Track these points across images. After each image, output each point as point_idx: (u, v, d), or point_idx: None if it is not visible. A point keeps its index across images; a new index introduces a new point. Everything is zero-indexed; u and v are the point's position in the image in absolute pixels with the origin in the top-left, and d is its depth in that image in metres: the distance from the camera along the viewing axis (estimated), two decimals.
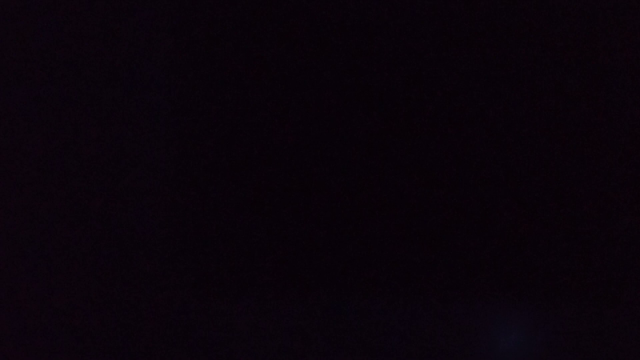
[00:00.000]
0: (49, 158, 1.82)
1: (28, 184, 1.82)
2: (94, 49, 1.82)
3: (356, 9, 1.80)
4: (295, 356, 1.77)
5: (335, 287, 1.79)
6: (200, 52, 1.82)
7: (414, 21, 1.80)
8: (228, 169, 1.81)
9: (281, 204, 1.80)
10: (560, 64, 1.79)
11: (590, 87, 1.78)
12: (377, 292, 1.78)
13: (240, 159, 1.80)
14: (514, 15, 1.79)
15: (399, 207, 1.79)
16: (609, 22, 1.78)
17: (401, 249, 1.79)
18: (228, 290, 1.80)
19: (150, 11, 1.81)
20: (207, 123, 1.81)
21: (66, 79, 1.82)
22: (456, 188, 1.78)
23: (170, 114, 1.81)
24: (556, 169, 1.78)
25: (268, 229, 1.80)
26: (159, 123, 1.81)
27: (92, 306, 1.81)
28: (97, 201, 1.81)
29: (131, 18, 1.81)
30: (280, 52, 1.81)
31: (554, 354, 1.76)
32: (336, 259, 1.79)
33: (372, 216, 1.79)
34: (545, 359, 1.76)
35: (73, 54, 1.82)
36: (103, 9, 1.81)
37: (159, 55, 1.81)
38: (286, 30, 1.81)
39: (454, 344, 1.76)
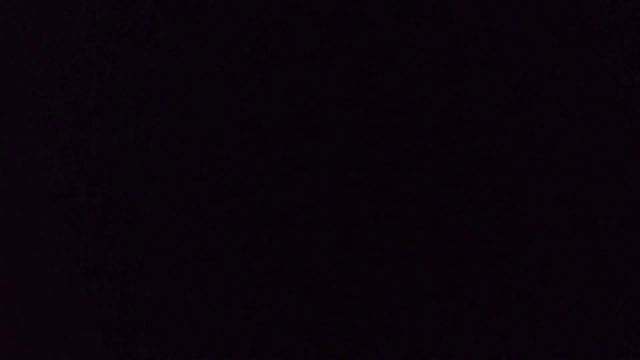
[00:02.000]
0: (49, 158, 1.82)
1: (28, 184, 1.82)
2: (93, 49, 1.82)
3: (354, 9, 1.81)
4: None
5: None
6: (199, 52, 1.82)
7: (413, 21, 1.80)
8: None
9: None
10: (559, 64, 1.79)
11: (590, 87, 1.79)
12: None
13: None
14: (513, 15, 1.79)
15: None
16: (608, 22, 1.79)
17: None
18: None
19: (150, 11, 1.82)
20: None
21: (66, 79, 1.82)
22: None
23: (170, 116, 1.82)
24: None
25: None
26: (158, 124, 1.81)
27: (92, 306, 1.81)
28: (97, 201, 1.81)
29: (131, 18, 1.82)
30: (279, 53, 1.81)
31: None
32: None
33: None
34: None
35: (73, 54, 1.82)
36: (103, 8, 1.82)
37: (159, 55, 1.82)
38: (285, 30, 1.81)
39: None
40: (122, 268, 1.81)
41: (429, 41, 1.80)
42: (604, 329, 1.77)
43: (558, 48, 1.79)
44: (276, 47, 1.82)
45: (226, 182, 1.81)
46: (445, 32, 1.80)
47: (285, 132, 1.81)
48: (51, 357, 1.82)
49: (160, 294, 1.81)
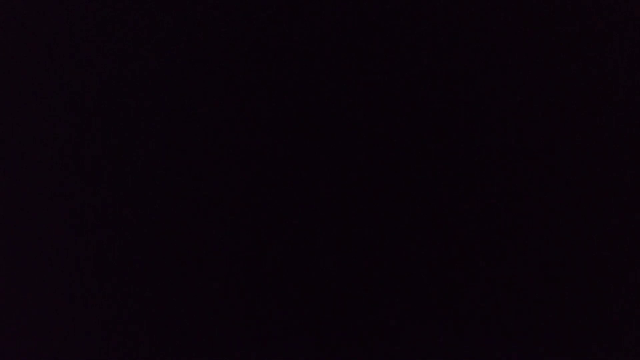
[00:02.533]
0: (49, 158, 1.82)
1: (28, 183, 1.82)
2: (93, 49, 1.82)
3: (354, 9, 1.80)
4: None
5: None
6: (198, 52, 1.82)
7: (413, 21, 1.80)
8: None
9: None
10: (559, 64, 1.79)
11: (590, 87, 1.79)
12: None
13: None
14: (513, 15, 1.79)
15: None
16: (609, 22, 1.78)
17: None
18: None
19: (150, 11, 1.82)
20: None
21: (67, 80, 1.82)
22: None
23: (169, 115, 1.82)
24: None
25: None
26: (158, 123, 1.81)
27: (92, 306, 1.81)
28: (97, 201, 1.81)
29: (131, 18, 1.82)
30: (279, 53, 1.81)
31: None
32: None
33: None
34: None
35: (73, 54, 1.82)
36: (102, 9, 1.82)
37: (159, 55, 1.82)
38: (285, 30, 1.81)
39: None
40: (122, 268, 1.81)
41: (429, 41, 1.80)
42: (604, 329, 1.77)
43: (558, 48, 1.79)
44: (276, 47, 1.82)
45: (226, 182, 1.81)
46: (445, 32, 1.80)
47: (285, 132, 1.81)
48: (51, 357, 1.82)
49: (160, 294, 1.80)
